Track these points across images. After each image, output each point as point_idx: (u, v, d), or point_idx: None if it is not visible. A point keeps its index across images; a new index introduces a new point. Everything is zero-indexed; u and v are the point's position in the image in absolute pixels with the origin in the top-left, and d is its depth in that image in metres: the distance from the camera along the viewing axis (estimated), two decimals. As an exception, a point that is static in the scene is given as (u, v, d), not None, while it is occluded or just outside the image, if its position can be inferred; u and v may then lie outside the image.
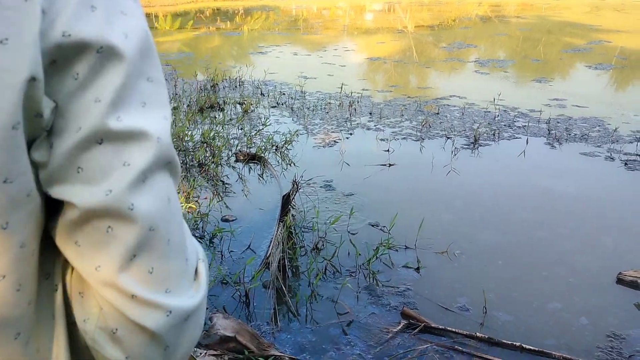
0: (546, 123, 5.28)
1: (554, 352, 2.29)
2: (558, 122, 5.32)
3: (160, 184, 0.47)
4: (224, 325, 2.28)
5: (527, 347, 2.32)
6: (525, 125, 5.23)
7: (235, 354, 2.21)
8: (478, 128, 5.10)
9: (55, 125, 0.42)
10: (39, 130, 0.42)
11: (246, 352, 2.16)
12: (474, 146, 4.76)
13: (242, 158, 4.44)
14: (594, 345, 2.35)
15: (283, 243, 2.86)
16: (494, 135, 5.02)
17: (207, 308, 2.35)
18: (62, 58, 0.41)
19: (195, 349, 2.19)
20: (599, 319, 2.51)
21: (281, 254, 2.79)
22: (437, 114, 5.72)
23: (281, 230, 2.95)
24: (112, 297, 0.45)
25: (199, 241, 3.18)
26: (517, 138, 4.94)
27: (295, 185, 3.19)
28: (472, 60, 8.66)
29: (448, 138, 4.97)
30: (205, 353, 2.20)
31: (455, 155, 4.56)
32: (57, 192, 0.44)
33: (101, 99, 0.43)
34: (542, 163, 4.40)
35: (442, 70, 8.05)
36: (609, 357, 2.28)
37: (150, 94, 0.47)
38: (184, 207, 3.37)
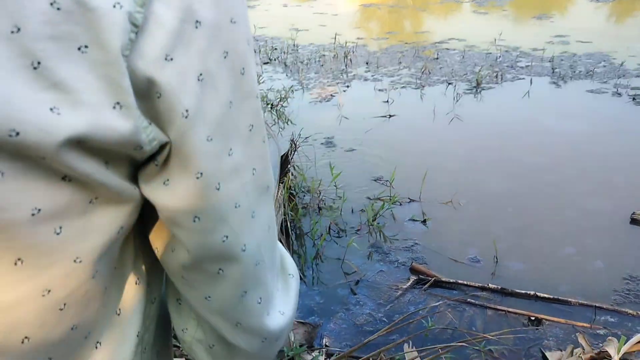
0: (550, 61, 5.09)
1: (569, 299, 2.22)
2: (562, 60, 5.13)
3: (264, 213, 0.46)
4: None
5: (542, 295, 2.25)
6: (528, 65, 5.05)
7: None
8: (480, 71, 4.92)
9: (171, 162, 0.39)
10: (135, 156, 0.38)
11: (253, 320, 2.10)
12: (477, 90, 4.60)
13: (237, 119, 4.30)
14: (610, 289, 2.28)
15: (284, 205, 2.76)
16: (496, 77, 4.85)
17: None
18: (167, 90, 0.36)
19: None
20: (614, 262, 2.44)
21: (283, 217, 2.71)
22: (437, 59, 5.52)
23: (281, 191, 2.85)
24: (217, 323, 0.47)
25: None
26: (520, 79, 4.77)
27: (292, 144, 3.07)
28: (468, 0, 8.35)
29: (449, 84, 4.80)
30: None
31: (457, 101, 4.40)
32: (171, 228, 0.42)
33: (213, 136, 0.39)
34: (548, 103, 4.25)
35: (439, 13, 7.77)
36: (627, 300, 2.21)
37: (254, 113, 0.43)
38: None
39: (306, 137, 3.68)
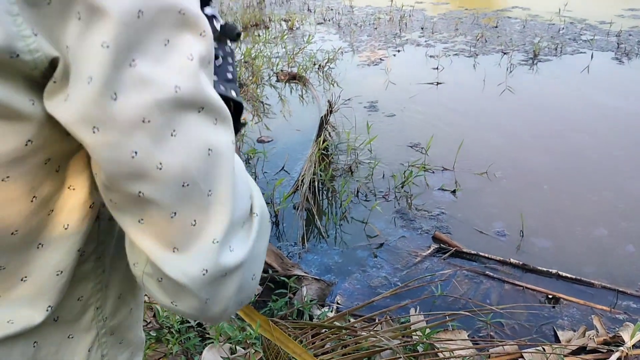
0: (616, 36, 4.80)
1: (593, 281, 2.17)
2: (630, 35, 4.82)
3: (194, 134, 0.43)
4: (250, 245, 2.28)
5: (564, 274, 2.20)
6: (591, 39, 4.78)
7: (261, 273, 2.22)
8: (539, 42, 4.71)
9: (71, 75, 0.38)
10: (23, 72, 0.38)
11: (270, 271, 2.17)
12: (533, 62, 4.42)
13: (283, 78, 4.33)
14: (638, 275, 2.20)
15: (315, 164, 2.80)
16: (556, 49, 4.62)
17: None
18: None
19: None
20: (648, 248, 2.34)
21: (312, 175, 2.74)
22: (496, 27, 5.31)
23: (315, 150, 2.88)
24: (153, 251, 0.45)
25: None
26: (581, 53, 4.53)
27: (329, 105, 3.07)
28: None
29: (505, 53, 4.62)
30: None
31: (510, 72, 4.25)
32: (86, 147, 0.41)
33: (109, 43, 0.37)
34: (607, 80, 4.03)
35: (506, -20, 7.42)
36: (654, 287, 2.13)
37: (175, 25, 0.40)
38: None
39: (347, 99, 3.67)
